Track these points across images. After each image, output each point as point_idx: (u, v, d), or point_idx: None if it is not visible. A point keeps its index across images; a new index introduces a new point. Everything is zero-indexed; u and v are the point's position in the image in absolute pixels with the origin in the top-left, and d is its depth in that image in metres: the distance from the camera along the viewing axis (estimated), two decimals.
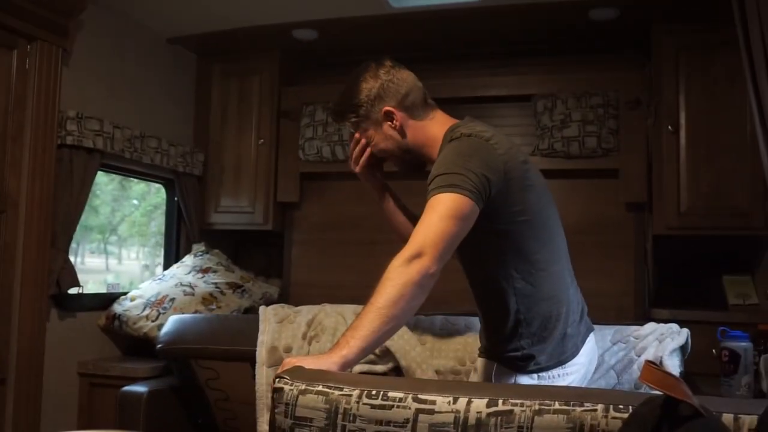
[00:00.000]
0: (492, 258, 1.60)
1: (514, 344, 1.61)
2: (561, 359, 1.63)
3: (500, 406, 1.05)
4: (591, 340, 1.74)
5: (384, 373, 2.15)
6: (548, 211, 1.67)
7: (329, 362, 1.30)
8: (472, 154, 1.51)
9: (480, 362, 1.76)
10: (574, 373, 1.65)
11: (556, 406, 1.03)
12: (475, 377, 1.81)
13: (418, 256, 1.39)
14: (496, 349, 1.67)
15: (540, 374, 1.61)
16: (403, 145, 1.70)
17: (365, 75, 1.70)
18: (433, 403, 1.08)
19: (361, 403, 1.11)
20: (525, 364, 1.60)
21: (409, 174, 1.78)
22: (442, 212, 1.43)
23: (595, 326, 2.18)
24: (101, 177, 3.28)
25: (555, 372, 1.62)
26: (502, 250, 1.59)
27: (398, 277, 1.37)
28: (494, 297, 1.63)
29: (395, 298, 1.35)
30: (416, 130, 1.68)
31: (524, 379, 1.61)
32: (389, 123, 1.68)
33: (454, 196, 1.44)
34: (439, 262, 1.40)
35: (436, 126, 1.68)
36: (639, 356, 2.02)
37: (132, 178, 3.43)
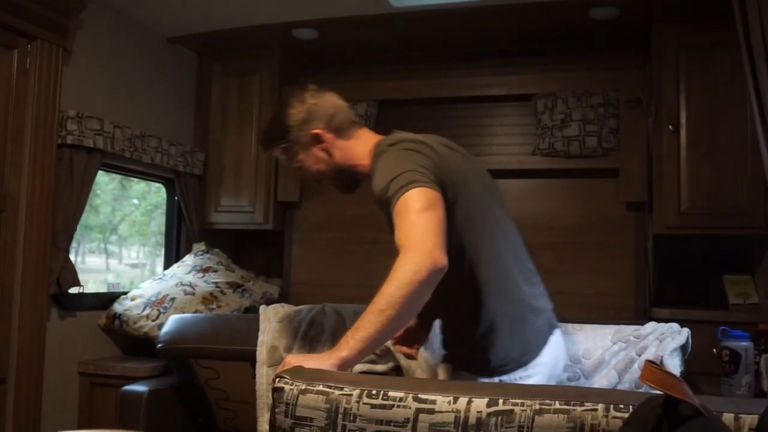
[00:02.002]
0: None
1: (466, 347, 1.59)
2: (521, 361, 1.59)
3: (501, 406, 1.05)
4: (556, 339, 1.70)
5: (384, 373, 2.15)
6: (485, 207, 1.63)
7: (328, 363, 1.31)
8: (404, 157, 1.53)
9: (440, 368, 1.73)
10: (537, 374, 1.61)
11: (557, 405, 1.03)
12: None
13: (416, 252, 1.36)
14: (452, 353, 1.66)
15: (501, 378, 1.58)
16: (334, 166, 1.72)
17: (291, 101, 1.72)
18: (434, 402, 1.08)
19: (361, 402, 1.11)
20: (482, 368, 1.57)
21: (348, 192, 1.80)
22: (416, 208, 1.41)
23: (596, 325, 2.19)
24: (101, 176, 3.28)
25: (516, 375, 1.59)
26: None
27: (404, 276, 1.33)
28: (440, 299, 1.54)
29: (399, 299, 1.33)
30: (345, 150, 1.71)
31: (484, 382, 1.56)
32: (318, 145, 1.70)
33: (415, 191, 1.43)
34: (444, 252, 1.38)
35: (363, 143, 1.70)
36: (639, 356, 2.02)
37: (132, 178, 3.43)
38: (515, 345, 1.59)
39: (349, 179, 1.76)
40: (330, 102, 1.72)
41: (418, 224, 1.39)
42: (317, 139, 1.69)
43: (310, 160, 1.73)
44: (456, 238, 1.52)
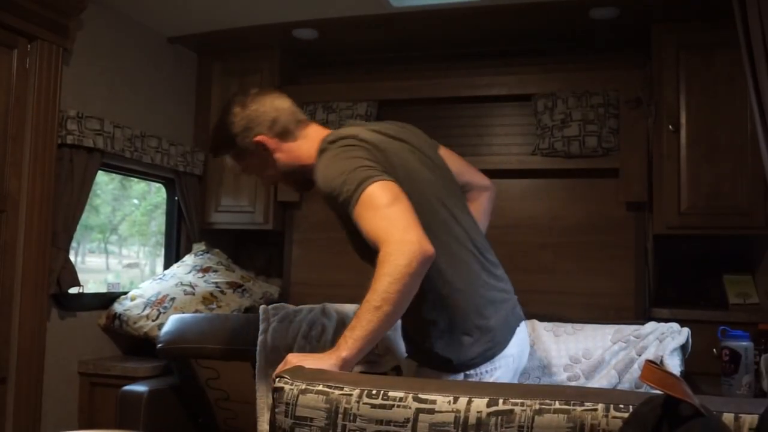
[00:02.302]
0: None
1: (428, 345, 1.57)
2: (487, 354, 1.57)
3: (501, 406, 1.05)
4: (521, 330, 1.69)
5: (384, 373, 2.15)
6: (433, 198, 1.59)
7: (328, 363, 1.31)
8: (346, 154, 1.52)
9: (406, 365, 1.72)
10: (503, 366, 1.60)
11: (557, 405, 1.03)
12: None
13: (401, 243, 1.34)
14: (416, 351, 1.64)
15: (467, 372, 1.56)
16: (283, 169, 1.71)
17: (232, 109, 1.70)
18: (434, 402, 1.08)
19: (361, 402, 1.11)
20: (447, 366, 1.56)
21: (303, 191, 1.81)
22: (384, 203, 1.40)
23: (596, 325, 2.19)
24: (102, 176, 3.28)
25: (483, 369, 1.57)
26: None
27: (389, 272, 1.33)
28: None
29: (393, 294, 1.32)
30: (292, 152, 1.69)
31: (451, 378, 1.56)
32: (264, 151, 1.69)
33: (376, 186, 1.42)
34: (428, 240, 1.37)
35: (311, 142, 1.68)
36: (639, 355, 2.02)
37: (132, 178, 3.43)
38: (484, 340, 1.56)
39: (300, 179, 1.74)
40: (272, 106, 1.70)
41: (394, 217, 1.38)
42: (261, 146, 1.68)
43: (259, 166, 1.73)
44: None
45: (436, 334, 1.57)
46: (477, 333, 1.56)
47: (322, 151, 1.59)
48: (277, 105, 1.71)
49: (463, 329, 1.56)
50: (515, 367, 1.66)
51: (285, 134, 1.69)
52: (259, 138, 1.67)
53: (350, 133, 1.60)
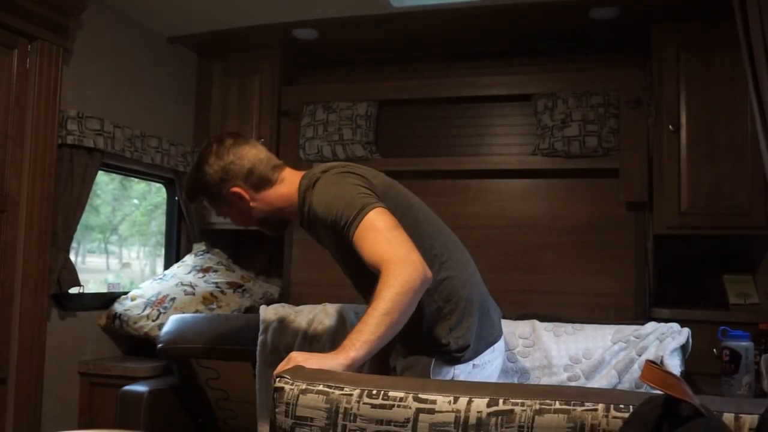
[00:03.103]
0: None
1: (445, 337, 1.63)
2: (489, 340, 1.71)
3: (501, 406, 1.05)
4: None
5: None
6: (418, 206, 1.72)
7: (336, 363, 1.31)
8: (343, 180, 1.59)
9: (406, 362, 1.73)
10: (498, 349, 1.75)
11: (557, 405, 1.02)
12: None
13: (407, 261, 1.42)
14: (427, 346, 1.68)
15: (474, 361, 1.66)
16: (259, 215, 1.74)
17: (208, 158, 1.72)
18: (434, 402, 1.08)
19: (361, 402, 1.11)
20: (462, 355, 1.63)
21: (276, 233, 1.83)
22: (385, 227, 1.48)
23: (596, 325, 2.20)
24: (102, 176, 3.28)
25: (486, 356, 1.69)
26: None
27: (397, 283, 1.39)
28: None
29: (399, 305, 1.38)
30: (268, 199, 1.72)
31: (461, 369, 1.64)
32: (240, 201, 1.72)
33: (375, 213, 1.50)
34: (423, 262, 1.45)
35: (288, 186, 1.72)
36: (640, 355, 2.02)
37: (132, 178, 3.43)
38: (487, 326, 1.71)
39: (277, 222, 1.79)
40: (247, 156, 1.71)
41: (395, 241, 1.46)
42: (237, 196, 1.70)
43: (234, 213, 1.76)
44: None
45: (454, 325, 1.64)
46: (483, 319, 1.69)
47: (314, 182, 1.63)
48: (252, 156, 1.72)
49: (473, 317, 1.67)
50: (503, 358, 1.83)
51: (260, 184, 1.71)
52: (234, 189, 1.70)
53: (341, 164, 1.67)
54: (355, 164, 1.70)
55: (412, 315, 1.59)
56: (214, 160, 1.70)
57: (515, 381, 2.11)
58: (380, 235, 1.46)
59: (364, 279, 1.55)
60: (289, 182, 1.72)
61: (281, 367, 1.28)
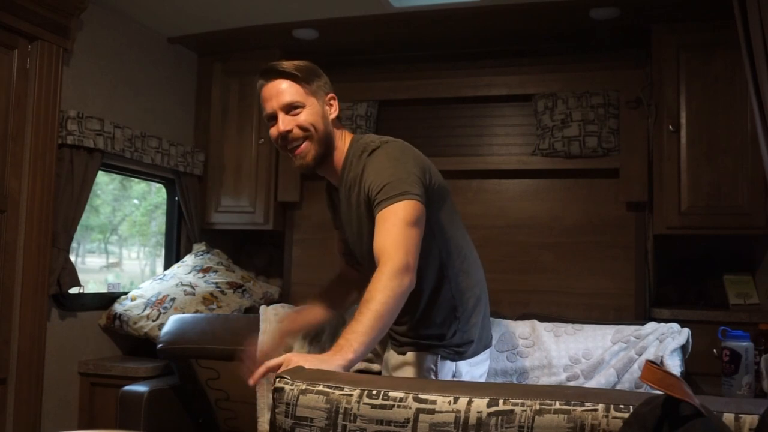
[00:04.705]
0: (422, 251, 1.61)
1: (452, 331, 1.70)
2: (486, 343, 1.80)
3: (501, 406, 1.05)
4: None
5: (380, 373, 2.15)
6: (451, 200, 1.80)
7: (334, 364, 1.31)
8: (403, 157, 1.63)
9: (404, 358, 1.74)
10: (487, 354, 1.84)
11: (557, 405, 1.03)
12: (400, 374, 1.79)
13: (405, 268, 1.46)
14: (433, 340, 1.72)
15: (471, 360, 1.74)
16: (325, 131, 1.74)
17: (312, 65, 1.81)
18: (434, 402, 1.08)
19: (361, 402, 1.11)
20: (464, 350, 1.71)
21: (309, 167, 1.78)
22: (407, 220, 1.51)
23: (596, 325, 2.20)
24: (102, 177, 3.28)
25: (480, 357, 1.77)
26: (433, 242, 1.69)
27: (392, 287, 1.43)
28: (427, 290, 1.70)
29: (389, 305, 1.42)
30: (335, 130, 1.77)
31: (462, 365, 1.71)
32: (328, 107, 1.76)
33: (406, 204, 1.53)
34: (415, 273, 1.50)
35: (344, 139, 1.78)
36: (640, 356, 2.02)
37: (133, 178, 3.43)
38: (486, 328, 1.80)
39: (323, 152, 1.75)
40: None
41: (406, 238, 1.50)
42: (329, 103, 1.77)
43: (314, 111, 1.74)
44: (441, 226, 1.70)
45: (463, 321, 1.72)
46: (484, 321, 1.78)
47: (373, 149, 1.67)
48: None
49: (478, 316, 1.75)
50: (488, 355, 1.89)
51: (338, 118, 1.80)
52: (333, 95, 1.78)
53: (399, 140, 1.72)
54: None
55: (424, 306, 1.71)
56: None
57: (515, 381, 2.11)
58: (397, 225, 1.50)
59: (372, 262, 1.55)
60: (343, 139, 1.77)
61: (277, 368, 1.29)
